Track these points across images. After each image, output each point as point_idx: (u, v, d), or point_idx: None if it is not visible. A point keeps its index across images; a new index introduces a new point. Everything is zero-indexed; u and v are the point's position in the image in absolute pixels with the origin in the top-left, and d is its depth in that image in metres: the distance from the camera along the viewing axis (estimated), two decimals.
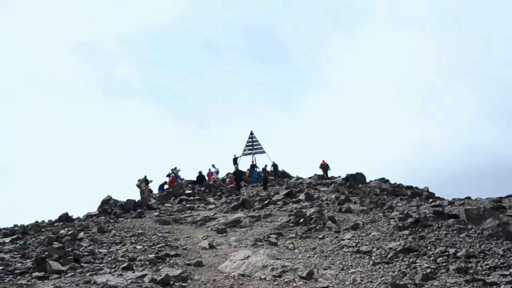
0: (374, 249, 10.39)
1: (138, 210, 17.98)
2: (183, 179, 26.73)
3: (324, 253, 10.65)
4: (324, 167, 29.88)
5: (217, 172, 28.01)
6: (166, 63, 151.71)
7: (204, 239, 12.73)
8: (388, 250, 10.13)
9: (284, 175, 31.05)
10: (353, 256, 10.18)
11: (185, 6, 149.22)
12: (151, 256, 10.47)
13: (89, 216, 18.90)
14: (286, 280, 8.70)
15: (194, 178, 27.26)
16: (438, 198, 20.84)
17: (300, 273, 8.88)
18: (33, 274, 8.94)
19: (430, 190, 23.54)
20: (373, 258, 9.81)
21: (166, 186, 26.08)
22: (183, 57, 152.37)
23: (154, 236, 12.99)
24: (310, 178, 28.92)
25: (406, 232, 11.73)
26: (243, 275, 9.20)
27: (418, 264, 9.01)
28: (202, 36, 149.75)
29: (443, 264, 8.89)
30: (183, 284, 8.58)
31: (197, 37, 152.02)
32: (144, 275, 8.74)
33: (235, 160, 31.26)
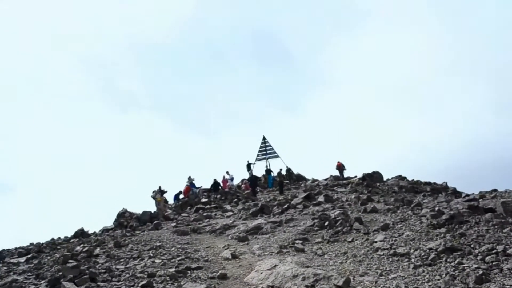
0: (412, 251, 9.53)
1: (155, 222, 17.39)
2: (200, 187, 26.17)
3: (357, 257, 9.82)
4: (340, 167, 29.35)
5: (232, 179, 27.52)
6: (167, 63, 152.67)
7: (225, 249, 12.01)
8: (428, 250, 9.26)
9: (300, 178, 30.38)
10: (390, 259, 9.33)
11: (186, 9, 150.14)
12: (172, 270, 9.78)
13: (105, 230, 18.39)
14: None
15: (209, 186, 26.73)
16: (461, 193, 19.89)
17: (335, 282, 8.06)
18: None
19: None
20: (413, 260, 8.95)
21: (181, 196, 25.52)
22: (183, 58, 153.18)
23: (173, 248, 12.31)
24: (326, 179, 28.20)
25: (443, 230, 10.89)
26: (272, 287, 8.45)
27: (466, 265, 8.11)
28: (202, 37, 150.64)
29: (494, 263, 7.99)
30: None
31: (197, 38, 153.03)
32: None
33: (248, 166, 30.94)
